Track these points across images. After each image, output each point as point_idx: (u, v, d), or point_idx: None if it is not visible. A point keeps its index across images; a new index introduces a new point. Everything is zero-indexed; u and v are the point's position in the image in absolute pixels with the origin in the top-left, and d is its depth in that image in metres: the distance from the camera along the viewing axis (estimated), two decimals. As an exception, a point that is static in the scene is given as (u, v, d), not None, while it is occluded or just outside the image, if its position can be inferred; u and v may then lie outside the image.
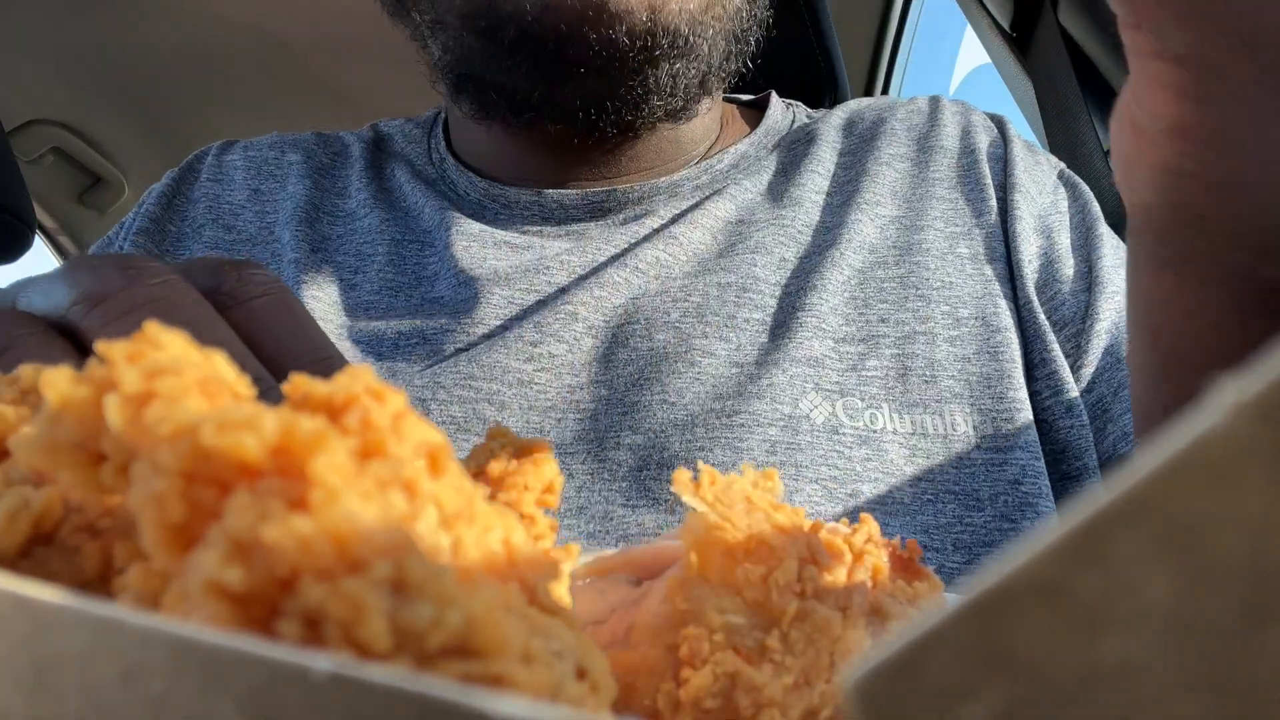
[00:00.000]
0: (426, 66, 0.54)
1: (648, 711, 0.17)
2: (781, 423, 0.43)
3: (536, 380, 0.46)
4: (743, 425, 0.43)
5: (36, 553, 0.13)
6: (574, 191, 0.53)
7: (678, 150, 0.55)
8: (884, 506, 0.42)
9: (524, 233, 0.53)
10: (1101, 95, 0.98)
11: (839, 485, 0.42)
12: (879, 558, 0.20)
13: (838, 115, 0.60)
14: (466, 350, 0.47)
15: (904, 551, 0.21)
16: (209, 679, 0.09)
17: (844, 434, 0.43)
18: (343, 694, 0.08)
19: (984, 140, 0.57)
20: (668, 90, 0.48)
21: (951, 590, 0.21)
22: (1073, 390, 0.46)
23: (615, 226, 0.53)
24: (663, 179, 0.54)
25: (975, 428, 0.44)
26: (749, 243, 0.51)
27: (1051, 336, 0.48)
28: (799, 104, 0.64)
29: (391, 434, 0.12)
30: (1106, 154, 0.92)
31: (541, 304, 0.49)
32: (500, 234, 0.52)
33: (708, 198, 0.53)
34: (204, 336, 0.24)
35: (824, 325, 0.47)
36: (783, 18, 0.85)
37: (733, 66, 0.52)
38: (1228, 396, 0.07)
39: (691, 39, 0.46)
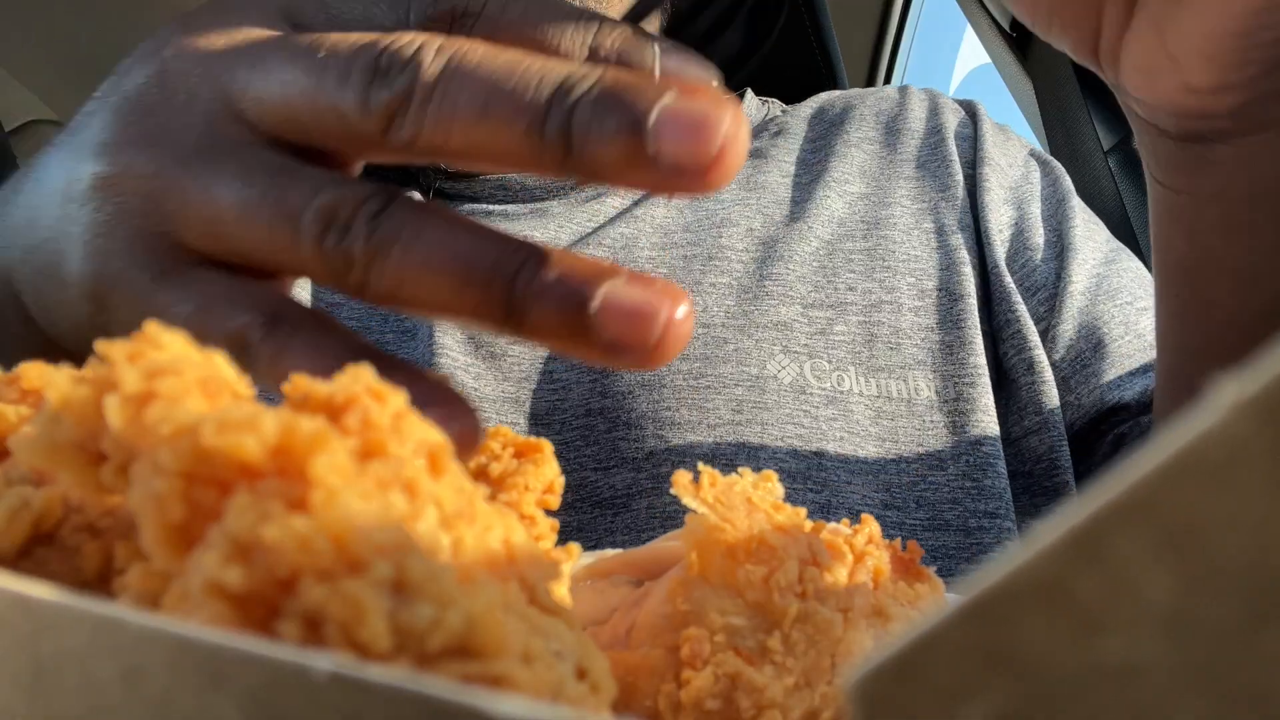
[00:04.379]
0: None
1: (648, 712, 0.17)
2: (748, 383, 0.45)
3: (510, 352, 0.47)
4: (709, 387, 0.45)
5: (36, 553, 0.13)
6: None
7: None
8: (848, 465, 0.44)
9: (489, 215, 0.53)
10: (1101, 95, 0.98)
11: (805, 443, 0.44)
12: (880, 559, 0.20)
13: (808, 107, 0.62)
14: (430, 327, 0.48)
15: (905, 553, 0.21)
16: (209, 679, 0.09)
17: (811, 394, 0.45)
18: (343, 694, 0.08)
19: (952, 120, 0.58)
20: None
21: (951, 590, 0.21)
22: (1035, 349, 0.49)
23: (577, 204, 0.53)
24: None
25: (938, 392, 0.47)
26: (714, 218, 0.52)
27: (1019, 298, 0.50)
28: (775, 100, 0.65)
29: (392, 434, 0.12)
30: (1106, 154, 0.92)
31: None
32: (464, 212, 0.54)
33: None
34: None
35: (791, 293, 0.48)
36: (783, 18, 0.85)
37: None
38: (1227, 396, 0.07)
39: None
